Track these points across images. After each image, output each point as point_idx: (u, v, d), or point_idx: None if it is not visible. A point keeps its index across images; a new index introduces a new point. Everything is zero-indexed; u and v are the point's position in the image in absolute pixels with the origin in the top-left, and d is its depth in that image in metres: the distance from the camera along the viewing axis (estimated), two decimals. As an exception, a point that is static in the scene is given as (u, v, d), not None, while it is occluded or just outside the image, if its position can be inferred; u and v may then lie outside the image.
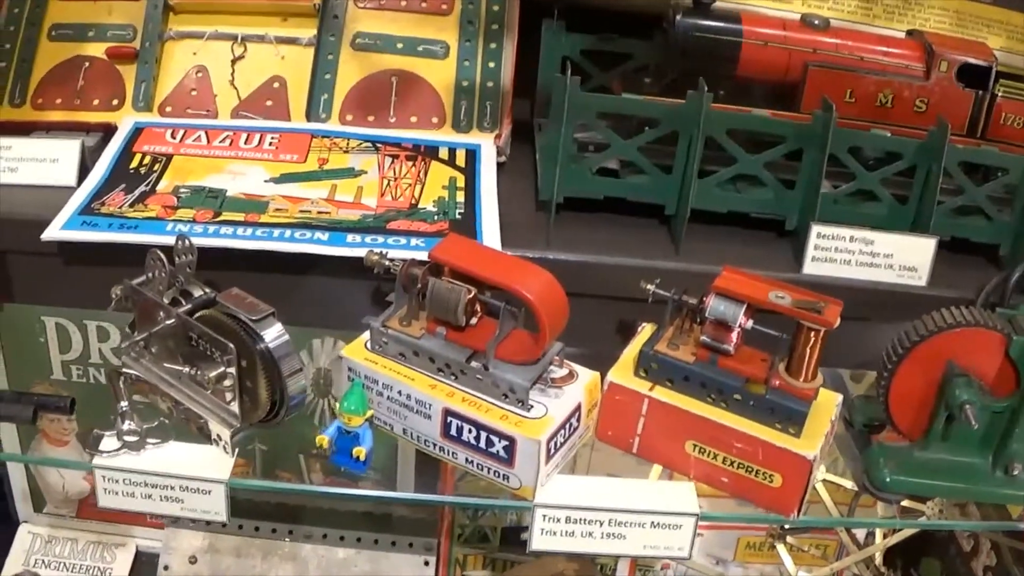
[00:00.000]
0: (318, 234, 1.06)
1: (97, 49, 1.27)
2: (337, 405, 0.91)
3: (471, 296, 0.91)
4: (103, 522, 1.51)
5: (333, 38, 1.27)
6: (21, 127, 1.25)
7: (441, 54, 1.27)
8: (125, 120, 1.23)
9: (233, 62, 1.26)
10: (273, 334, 0.90)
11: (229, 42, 1.27)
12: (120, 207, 1.09)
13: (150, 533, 1.52)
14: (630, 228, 1.14)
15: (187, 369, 0.90)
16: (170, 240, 0.97)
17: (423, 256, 0.95)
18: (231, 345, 0.87)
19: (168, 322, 0.90)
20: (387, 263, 0.97)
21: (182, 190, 1.13)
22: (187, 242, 0.95)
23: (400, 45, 1.27)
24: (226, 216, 1.08)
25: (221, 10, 1.27)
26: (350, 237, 1.06)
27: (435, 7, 1.28)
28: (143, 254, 0.95)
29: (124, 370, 0.97)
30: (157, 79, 1.25)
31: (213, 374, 0.89)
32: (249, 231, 1.06)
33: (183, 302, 0.94)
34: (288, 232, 1.06)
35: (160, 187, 1.13)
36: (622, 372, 0.92)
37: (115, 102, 1.24)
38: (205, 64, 1.26)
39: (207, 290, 0.94)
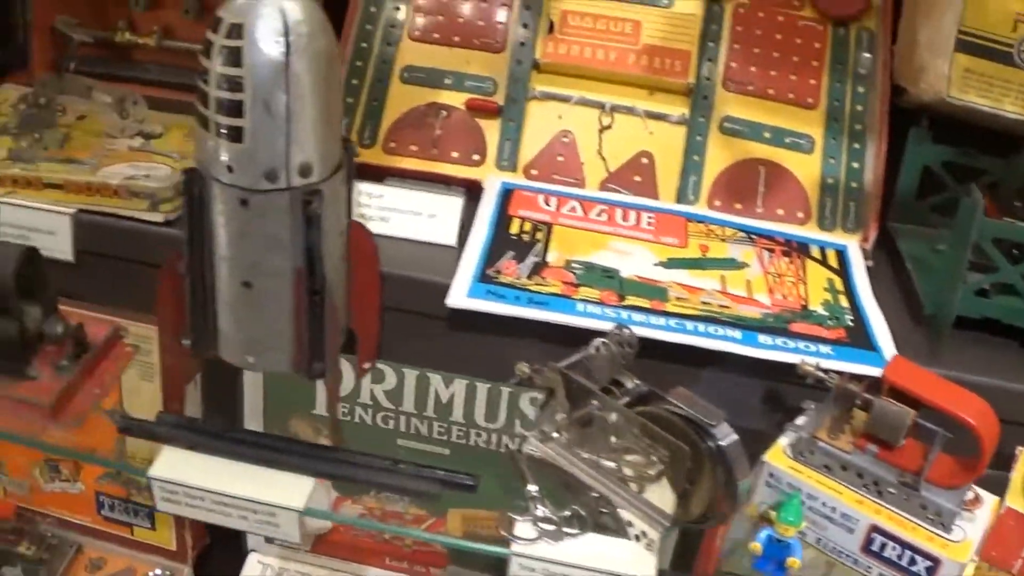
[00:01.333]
0: (730, 331, 1.05)
1: (455, 98, 1.25)
2: (773, 514, 0.93)
3: (913, 418, 0.93)
4: (339, 559, 1.46)
5: (703, 120, 1.25)
6: (373, 171, 1.24)
7: (807, 148, 1.25)
8: (490, 179, 1.20)
9: (601, 131, 1.24)
10: (727, 438, 0.89)
11: (596, 110, 1.25)
12: (518, 278, 1.06)
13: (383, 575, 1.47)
14: (1001, 348, 1.15)
15: (612, 464, 0.91)
16: (579, 320, 1.04)
17: (834, 365, 1.01)
18: (686, 448, 0.87)
19: (609, 415, 0.87)
20: (820, 373, 0.99)
21: (574, 265, 1.11)
22: (628, 331, 0.92)
23: (767, 134, 1.25)
24: (631, 300, 1.05)
25: (588, 75, 1.25)
26: (761, 337, 1.03)
27: (802, 100, 1.27)
28: (539, 328, 1.01)
29: (527, 450, 0.96)
30: (522, 139, 1.21)
31: (652, 472, 0.88)
32: (661, 320, 1.04)
33: (615, 392, 0.93)
34: (700, 326, 1.07)
35: (551, 259, 1.10)
36: (1017, 498, 0.97)
37: (476, 157, 1.22)
38: (571, 129, 1.24)
39: (637, 382, 0.93)
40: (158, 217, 1.15)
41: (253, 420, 1.27)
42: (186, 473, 0.97)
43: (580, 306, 1.07)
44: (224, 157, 0.81)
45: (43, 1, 1.47)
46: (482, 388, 1.24)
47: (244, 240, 0.85)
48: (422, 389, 1.33)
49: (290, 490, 0.97)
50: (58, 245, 1.16)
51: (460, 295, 1.06)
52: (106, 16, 1.48)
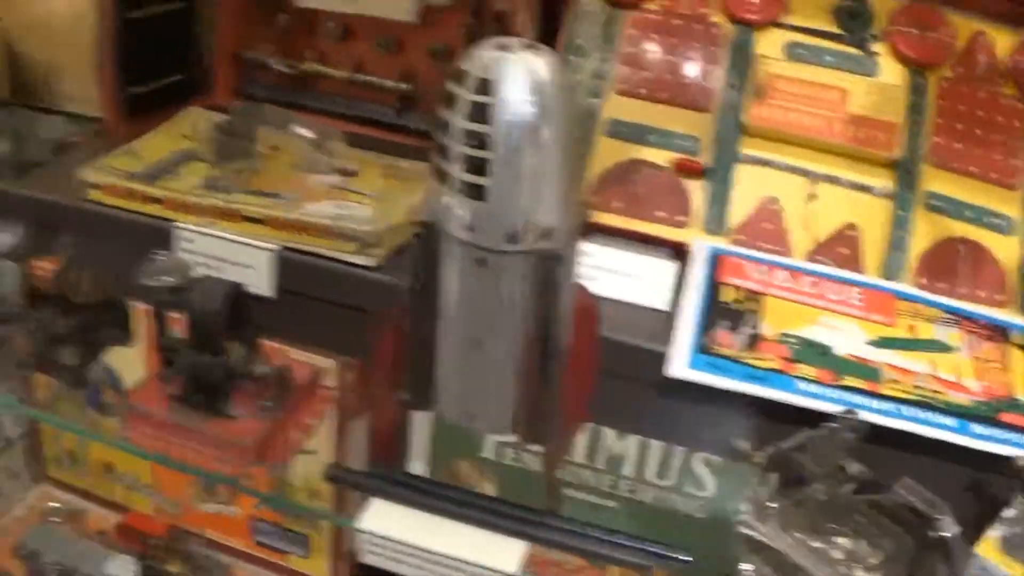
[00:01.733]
0: (944, 419, 1.03)
1: (660, 156, 1.25)
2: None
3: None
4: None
5: (908, 194, 1.23)
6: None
7: (1005, 229, 1.23)
8: (697, 243, 1.19)
9: (807, 200, 1.22)
10: (952, 530, 0.90)
11: (802, 177, 1.24)
12: (735, 350, 1.05)
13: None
14: None
15: (820, 545, 0.91)
16: (798, 399, 1.02)
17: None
18: (910, 538, 0.88)
19: (832, 499, 0.87)
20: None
21: (789, 339, 1.09)
22: (856, 416, 0.92)
23: (968, 213, 1.23)
24: (847, 380, 1.04)
25: (794, 141, 1.23)
26: (974, 426, 1.02)
27: (1003, 179, 1.25)
28: (754, 402, 0.99)
29: (744, 531, 0.95)
30: (728, 203, 1.20)
31: (874, 560, 0.89)
32: (875, 403, 1.02)
33: (839, 476, 0.93)
34: (915, 412, 1.05)
35: (765, 332, 1.09)
36: None
37: (680, 219, 1.21)
38: (777, 196, 1.22)
39: (862, 467, 0.93)
40: (366, 261, 1.16)
41: (418, 460, 1.27)
42: (395, 527, 0.97)
43: (799, 384, 1.05)
44: (463, 215, 0.79)
45: (229, 26, 1.49)
46: (656, 445, 1.24)
47: (477, 300, 0.84)
48: (594, 441, 1.33)
49: (503, 553, 0.96)
50: (256, 280, 1.16)
51: (681, 365, 1.05)
52: (294, 45, 1.49)
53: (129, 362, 1.23)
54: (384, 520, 0.98)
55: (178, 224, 1.18)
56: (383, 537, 0.97)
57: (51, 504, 1.75)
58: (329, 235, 1.15)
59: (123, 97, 1.37)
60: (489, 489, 1.26)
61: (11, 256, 1.16)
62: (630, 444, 1.31)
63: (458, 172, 0.77)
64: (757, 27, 1.31)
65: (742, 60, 1.29)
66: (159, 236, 1.20)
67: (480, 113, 0.75)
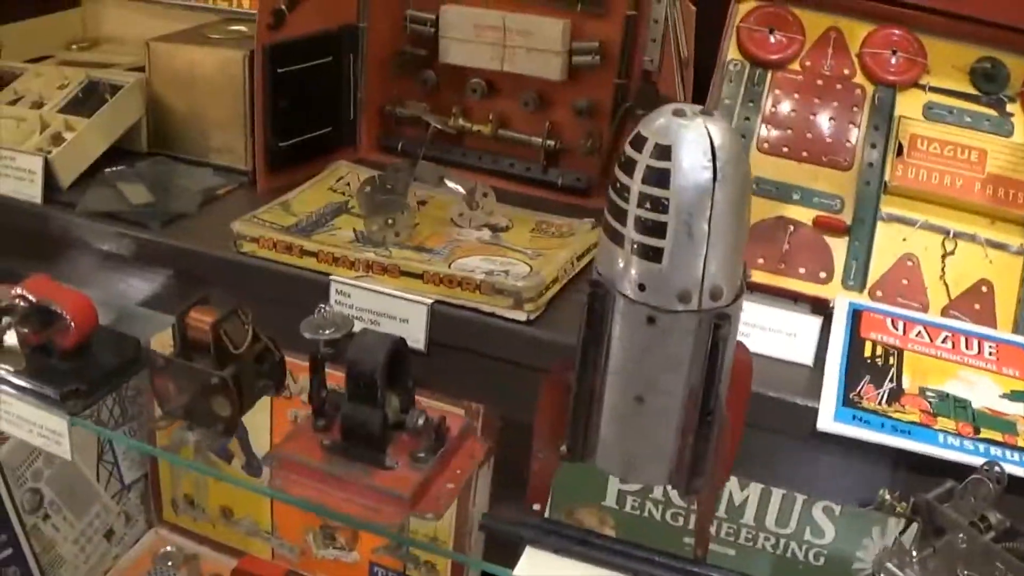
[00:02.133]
0: None
1: (802, 214, 1.32)
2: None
3: None
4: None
5: None
6: None
7: None
8: (839, 299, 1.27)
9: (943, 257, 1.31)
10: None
11: (940, 235, 1.31)
12: (879, 403, 1.13)
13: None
14: None
15: None
16: (940, 452, 1.09)
17: None
18: None
19: (972, 549, 0.94)
20: None
21: (929, 394, 1.17)
22: (999, 468, 0.98)
23: None
24: (985, 433, 1.12)
25: (934, 200, 1.32)
26: None
27: None
28: (896, 455, 1.07)
29: None
30: (869, 260, 1.29)
31: None
32: (1013, 455, 1.10)
33: (980, 526, 0.97)
34: None
35: (905, 386, 1.17)
36: None
37: (823, 275, 1.29)
38: (915, 253, 1.31)
39: (1001, 517, 0.98)
40: (520, 316, 1.21)
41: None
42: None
43: (940, 437, 1.12)
44: (637, 275, 0.86)
45: (375, 81, 1.59)
46: (776, 493, 1.30)
47: (644, 357, 0.90)
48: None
49: None
50: (410, 333, 1.22)
51: (828, 419, 1.12)
52: (439, 101, 1.59)
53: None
54: (540, 569, 1.06)
55: (334, 277, 1.26)
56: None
57: (166, 548, 1.85)
58: (485, 290, 1.22)
59: (272, 150, 1.46)
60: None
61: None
62: (752, 492, 1.40)
63: (634, 234, 0.84)
64: (898, 88, 1.38)
65: (883, 120, 1.36)
66: (314, 289, 1.28)
67: (658, 178, 0.82)
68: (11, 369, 1.25)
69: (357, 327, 1.15)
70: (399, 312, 1.24)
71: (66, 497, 1.72)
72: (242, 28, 1.55)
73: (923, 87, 1.37)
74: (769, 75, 1.38)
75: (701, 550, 1.06)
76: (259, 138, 1.45)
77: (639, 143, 0.82)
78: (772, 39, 1.40)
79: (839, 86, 1.37)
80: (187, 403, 1.15)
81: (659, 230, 0.83)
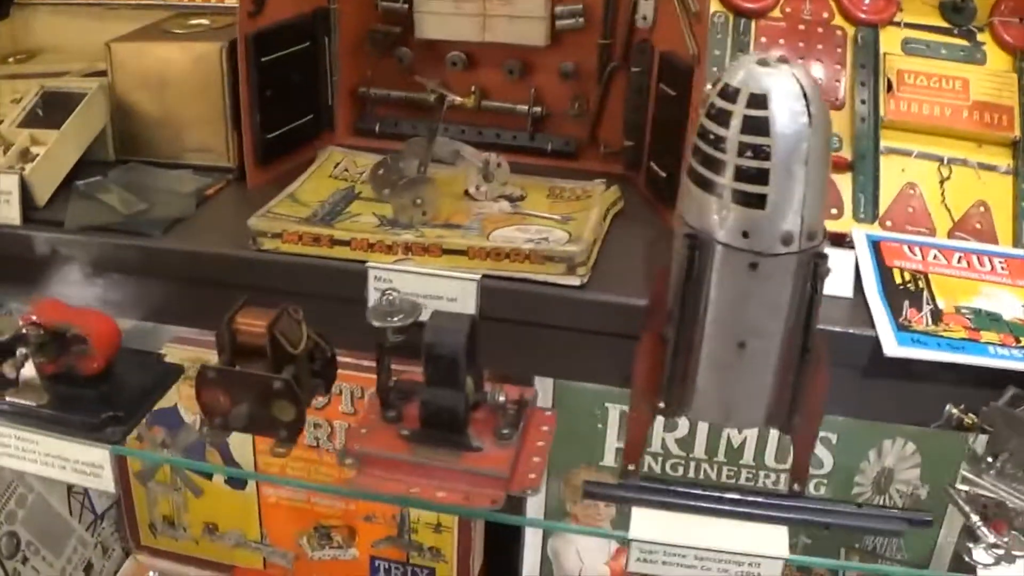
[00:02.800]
0: None
1: None
2: None
3: None
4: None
5: None
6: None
7: None
8: (855, 232, 1.33)
9: (941, 183, 1.38)
10: None
11: (935, 163, 1.39)
12: (927, 325, 1.20)
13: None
14: None
15: None
16: (996, 362, 1.14)
17: None
18: None
19: None
20: None
21: (964, 311, 1.24)
22: None
23: None
24: None
25: (926, 131, 1.39)
26: None
27: None
28: (950, 371, 1.13)
29: (962, 486, 1.07)
30: (875, 193, 1.35)
31: None
32: None
33: None
34: None
35: (942, 307, 1.24)
36: None
37: (834, 211, 1.35)
38: (916, 182, 1.37)
39: None
40: (574, 281, 1.22)
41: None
42: (664, 532, 1.06)
43: (990, 349, 1.18)
44: (738, 223, 0.89)
45: (348, 63, 1.58)
46: (773, 433, 1.37)
47: (745, 303, 0.93)
48: (714, 435, 1.47)
49: (769, 540, 1.06)
50: (460, 311, 1.21)
51: (892, 345, 1.17)
52: (413, 79, 1.57)
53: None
54: (652, 529, 1.07)
55: (370, 264, 1.24)
56: (656, 544, 1.05)
57: (148, 575, 1.78)
58: (535, 259, 1.22)
59: (260, 143, 1.43)
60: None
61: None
62: (749, 434, 1.45)
63: (734, 183, 0.87)
64: (878, 27, 1.43)
65: (868, 58, 1.42)
66: (348, 278, 1.26)
67: (757, 126, 0.85)
68: (34, 404, 1.19)
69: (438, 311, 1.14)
70: (446, 291, 1.23)
71: (42, 536, 1.65)
72: (203, 21, 1.49)
73: (898, 24, 1.41)
74: (753, 24, 1.39)
75: (800, 485, 1.09)
76: (246, 132, 1.42)
77: (731, 94, 0.85)
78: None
79: (820, 29, 1.42)
80: (243, 412, 1.12)
81: (761, 177, 0.86)
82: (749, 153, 0.86)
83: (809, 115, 0.84)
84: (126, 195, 1.38)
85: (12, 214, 1.36)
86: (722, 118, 0.86)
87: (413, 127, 1.55)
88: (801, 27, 1.41)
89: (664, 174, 1.34)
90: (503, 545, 1.67)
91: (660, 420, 1.35)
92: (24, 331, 1.18)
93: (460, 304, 1.21)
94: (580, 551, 1.62)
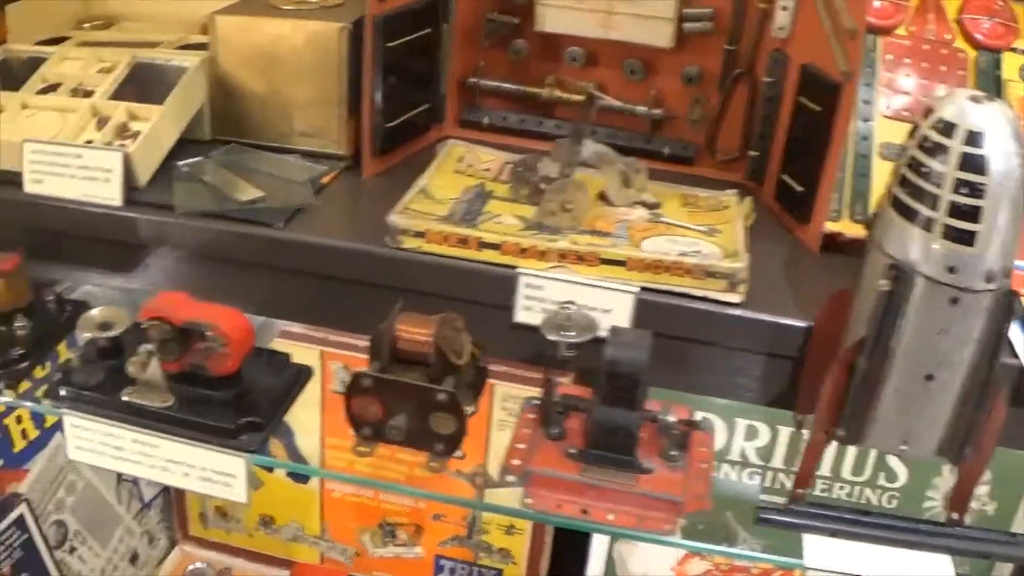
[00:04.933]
0: None
1: None
2: None
3: None
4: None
5: None
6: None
7: None
8: None
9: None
10: None
11: None
12: None
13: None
14: None
15: None
16: None
17: None
18: None
19: None
20: None
21: None
22: None
23: None
24: None
25: None
26: None
27: None
28: None
29: None
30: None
31: None
32: None
33: None
34: None
35: None
36: None
37: None
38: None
39: None
40: (735, 298, 1.19)
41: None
42: (836, 560, 1.06)
43: None
44: (945, 257, 0.91)
45: (460, 52, 1.53)
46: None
47: (940, 336, 0.95)
48: (794, 445, 1.45)
49: (934, 568, 1.08)
50: (612, 324, 1.16)
51: None
52: (530, 71, 1.55)
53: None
54: (825, 556, 1.07)
55: (521, 270, 1.22)
56: (835, 572, 1.06)
57: (195, 565, 1.69)
58: (696, 274, 1.21)
59: (379, 132, 1.40)
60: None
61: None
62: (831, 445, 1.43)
63: (946, 218, 0.90)
64: (999, 52, 1.45)
65: (989, 84, 1.42)
66: (495, 283, 1.23)
67: (974, 164, 0.87)
68: (157, 405, 1.13)
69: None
70: (600, 302, 1.21)
71: (90, 525, 1.57)
72: (310, -1, 1.37)
73: (1015, 50, 1.45)
74: (879, 40, 1.35)
75: (960, 515, 1.09)
76: (366, 119, 1.40)
77: (946, 129, 0.88)
78: (878, 4, 1.45)
79: (944, 51, 1.48)
80: (401, 424, 1.08)
81: (974, 214, 0.89)
82: (964, 190, 0.88)
83: (1021, 155, 0.87)
84: (235, 179, 1.29)
85: (113, 194, 1.27)
86: (937, 152, 0.89)
87: (522, 121, 1.55)
88: (925, 47, 1.43)
89: (800, 188, 1.28)
90: (569, 547, 1.60)
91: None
92: (145, 327, 1.12)
93: (615, 316, 1.21)
94: (647, 555, 1.55)
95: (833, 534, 1.10)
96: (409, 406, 1.09)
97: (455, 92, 1.56)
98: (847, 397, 1.02)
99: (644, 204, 1.36)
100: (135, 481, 1.71)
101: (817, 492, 1.57)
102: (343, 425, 1.65)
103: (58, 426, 1.64)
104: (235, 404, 1.15)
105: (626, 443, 1.09)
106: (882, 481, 1.54)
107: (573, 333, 1.12)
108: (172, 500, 1.77)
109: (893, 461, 1.55)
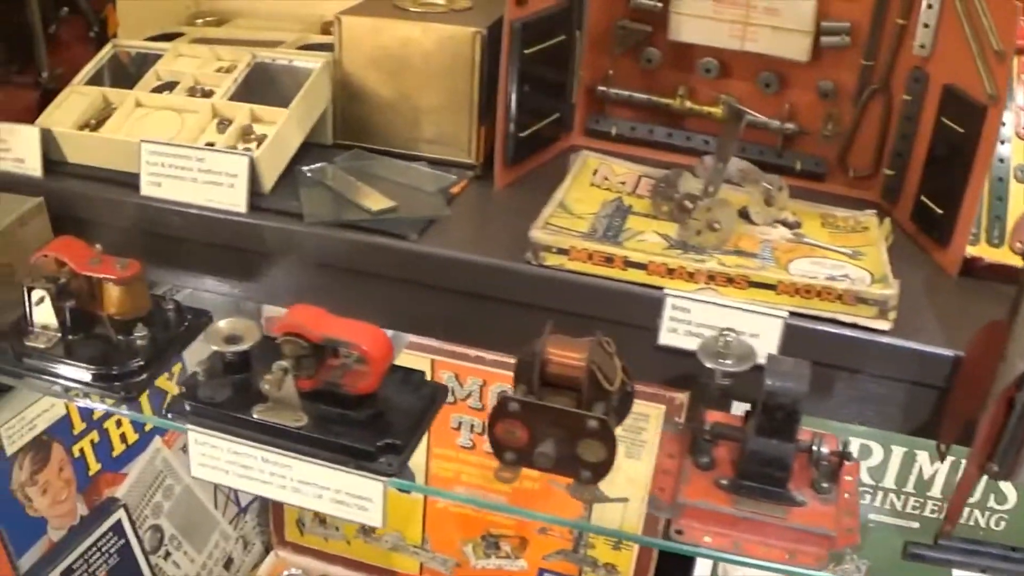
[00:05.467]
0: None
1: None
2: None
3: None
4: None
5: None
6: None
7: None
8: None
9: None
10: None
11: None
12: None
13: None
14: None
15: None
16: None
17: None
18: None
19: None
20: None
21: None
22: None
23: None
24: None
25: None
26: None
27: None
28: None
29: None
30: None
31: None
32: None
33: None
34: None
35: None
36: None
37: None
38: None
39: None
40: (884, 325, 1.18)
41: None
42: None
43: None
44: None
45: (589, 60, 1.50)
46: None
47: None
48: (906, 465, 1.44)
49: None
50: (758, 349, 1.15)
51: None
52: (662, 80, 1.52)
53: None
54: None
55: (668, 291, 1.19)
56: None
57: (290, 571, 1.66)
58: (847, 300, 1.18)
59: (513, 141, 1.39)
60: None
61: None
62: (943, 467, 1.39)
63: None
64: None
65: None
66: (640, 304, 1.20)
67: None
68: (290, 425, 1.09)
69: (694, 344, 1.13)
70: (747, 326, 1.18)
71: (186, 530, 1.55)
72: (437, 0, 1.32)
73: None
74: (1016, 61, 1.37)
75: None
76: (500, 128, 1.38)
77: None
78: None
79: None
80: (550, 451, 1.05)
81: None
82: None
83: None
84: (363, 186, 1.26)
85: (238, 200, 1.24)
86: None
87: (650, 132, 1.53)
88: (1060, 66, 1.36)
89: (939, 210, 1.26)
90: (673, 562, 1.57)
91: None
92: (280, 342, 1.09)
93: (762, 341, 1.18)
94: (752, 570, 1.52)
95: (983, 570, 1.08)
96: (557, 432, 1.07)
97: (583, 101, 1.54)
98: (1003, 432, 1.00)
99: (784, 223, 1.33)
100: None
101: (926, 513, 1.55)
102: (448, 435, 1.63)
103: (157, 430, 1.62)
104: (372, 424, 1.13)
105: (780, 475, 1.08)
106: (992, 503, 1.51)
107: (731, 361, 1.10)
108: (269, 505, 1.74)
109: (1007, 486, 1.52)
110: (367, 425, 1.12)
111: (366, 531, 1.73)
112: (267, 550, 1.78)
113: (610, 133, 1.54)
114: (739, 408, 1.29)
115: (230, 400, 1.14)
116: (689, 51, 1.49)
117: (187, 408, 1.14)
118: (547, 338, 1.09)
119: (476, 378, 1.61)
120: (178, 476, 1.60)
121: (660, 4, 1.45)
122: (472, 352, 1.57)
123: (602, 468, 1.08)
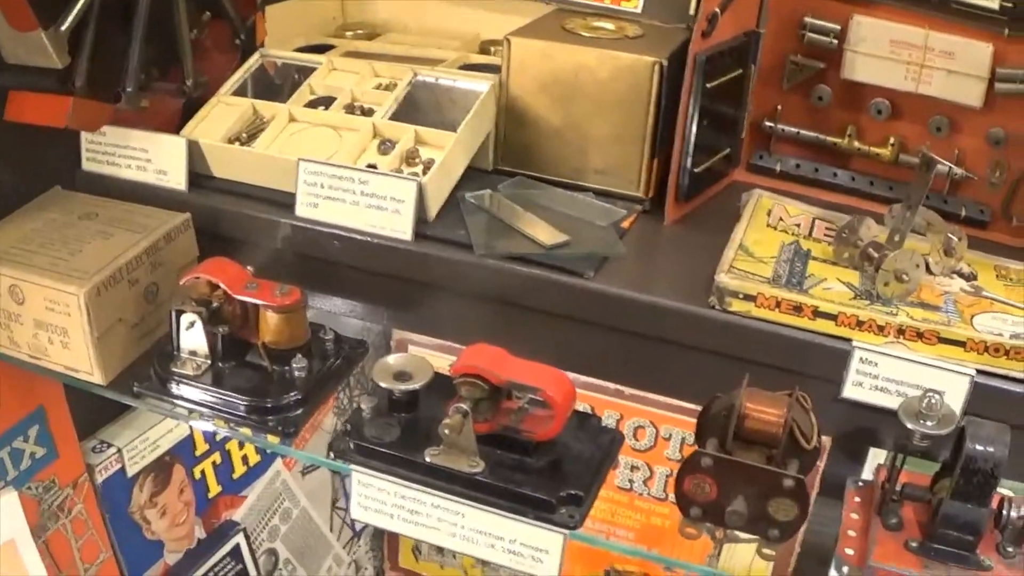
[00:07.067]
0: None
1: None
2: None
3: None
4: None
5: None
6: None
7: None
8: None
9: None
10: None
11: None
12: None
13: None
14: None
15: None
16: None
17: None
18: None
19: None
20: None
21: None
22: None
23: None
24: None
25: None
26: None
27: None
28: None
29: None
30: None
31: None
32: None
33: None
34: None
35: None
36: None
37: None
38: None
39: None
40: None
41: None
42: None
43: None
44: None
45: (759, 94, 1.51)
46: None
47: None
48: None
49: None
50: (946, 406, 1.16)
51: None
52: (831, 119, 1.53)
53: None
54: None
55: (857, 344, 1.22)
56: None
57: (401, 596, 1.67)
58: None
59: (686, 177, 1.40)
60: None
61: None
62: None
63: None
64: None
65: None
66: (824, 355, 1.21)
67: None
68: (467, 471, 1.09)
69: (879, 399, 1.17)
70: (933, 382, 1.19)
71: (300, 554, 1.56)
72: (607, 25, 1.33)
73: None
74: None
75: None
76: (676, 161, 1.40)
77: None
78: None
79: None
80: (742, 509, 1.05)
81: None
82: None
83: None
84: (530, 217, 1.25)
85: (404, 227, 1.26)
86: None
87: (815, 170, 1.55)
88: None
89: (1113, 267, 1.28)
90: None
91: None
92: (459, 382, 1.08)
93: (948, 399, 1.17)
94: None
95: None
96: (749, 490, 1.08)
97: (749, 136, 1.57)
98: None
99: (960, 274, 1.33)
100: (348, 509, 1.68)
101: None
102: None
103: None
104: (552, 473, 1.13)
105: (971, 539, 1.09)
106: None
107: (932, 423, 1.11)
108: (384, 530, 1.74)
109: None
110: (546, 474, 1.11)
111: (484, 561, 1.72)
112: (379, 575, 1.78)
113: (774, 170, 1.56)
114: (873, 457, 1.31)
115: (399, 441, 1.13)
116: (861, 90, 1.51)
117: (351, 447, 1.15)
118: (745, 391, 1.09)
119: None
120: (296, 499, 1.61)
121: (836, 41, 1.47)
122: (627, 391, 1.57)
123: (792, 527, 1.10)
